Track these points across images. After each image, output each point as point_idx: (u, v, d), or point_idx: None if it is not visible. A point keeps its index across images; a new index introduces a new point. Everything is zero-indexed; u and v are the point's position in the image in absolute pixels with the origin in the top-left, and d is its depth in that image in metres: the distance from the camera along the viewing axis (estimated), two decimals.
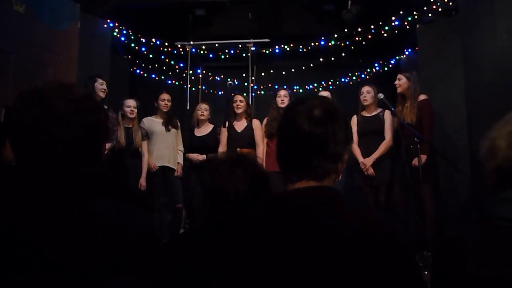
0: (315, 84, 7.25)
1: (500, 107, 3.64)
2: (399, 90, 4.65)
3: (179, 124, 5.35)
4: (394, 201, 4.56)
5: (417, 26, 5.66)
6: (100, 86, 4.60)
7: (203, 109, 5.32)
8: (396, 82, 4.67)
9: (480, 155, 1.21)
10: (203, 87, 7.37)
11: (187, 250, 1.56)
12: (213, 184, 1.65)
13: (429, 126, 4.40)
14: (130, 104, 4.90)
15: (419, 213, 4.19)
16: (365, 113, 4.89)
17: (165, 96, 5.23)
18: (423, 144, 4.09)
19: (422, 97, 4.55)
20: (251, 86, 7.00)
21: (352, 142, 1.29)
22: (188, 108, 6.20)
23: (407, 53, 6.51)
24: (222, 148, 5.08)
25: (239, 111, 5.10)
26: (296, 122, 1.15)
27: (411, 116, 4.46)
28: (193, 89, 7.24)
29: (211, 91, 7.39)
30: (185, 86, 7.14)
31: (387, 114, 4.71)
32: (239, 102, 5.11)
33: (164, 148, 5.14)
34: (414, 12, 5.67)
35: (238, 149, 4.84)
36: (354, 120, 4.88)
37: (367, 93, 4.81)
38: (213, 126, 5.34)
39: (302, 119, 1.14)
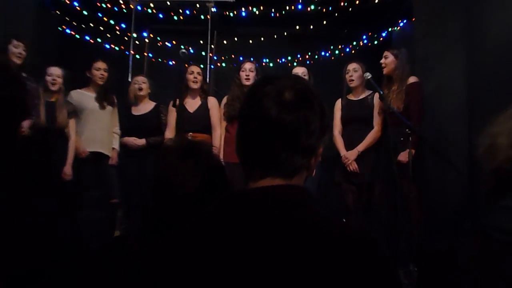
0: (289, 58, 7.28)
1: (508, 94, 3.74)
2: (385, 71, 4.73)
3: (116, 100, 5.31)
4: (376, 202, 4.66)
5: None
6: (15, 49, 4.49)
7: (140, 82, 5.28)
8: (382, 60, 4.74)
9: (478, 154, 1.24)
10: (150, 55, 7.35)
11: (122, 257, 1.55)
12: (157, 178, 1.65)
13: (417, 114, 4.47)
14: (53, 72, 4.83)
15: (405, 218, 4.32)
16: (351, 96, 4.99)
17: (101, 64, 5.16)
18: (413, 136, 4.17)
19: (412, 79, 4.61)
20: (209, 56, 6.93)
21: (329, 132, 1.30)
22: (130, 80, 6.12)
23: (401, 25, 6.60)
24: (169, 132, 5.12)
25: (194, 86, 5.09)
26: (262, 106, 1.15)
27: (398, 102, 4.53)
28: (138, 56, 7.15)
29: (160, 60, 7.34)
30: (127, 53, 7.02)
31: (377, 98, 4.77)
32: (196, 74, 5.11)
33: (96, 130, 5.11)
34: None
35: (190, 134, 4.84)
36: (338, 104, 4.98)
37: (353, 72, 4.87)
38: (154, 104, 5.33)
39: (269, 103, 1.14)
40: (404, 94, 4.52)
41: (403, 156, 4.28)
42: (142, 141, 5.12)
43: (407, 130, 4.07)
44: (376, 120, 4.79)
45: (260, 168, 1.17)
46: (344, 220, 1.19)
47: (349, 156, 4.72)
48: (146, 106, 5.28)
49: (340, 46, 7.21)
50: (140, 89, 5.23)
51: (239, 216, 1.10)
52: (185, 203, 1.58)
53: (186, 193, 1.59)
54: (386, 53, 4.73)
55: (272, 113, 1.13)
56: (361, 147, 4.72)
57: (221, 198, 1.17)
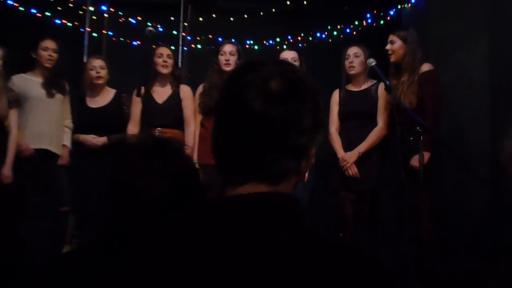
0: (278, 40, 7.21)
1: None
2: (392, 58, 4.74)
3: (68, 87, 5.29)
4: (380, 214, 4.69)
5: None
6: None
7: (98, 67, 5.26)
8: (388, 46, 4.74)
9: (502, 159, 1.25)
10: (110, 33, 7.23)
11: (71, 279, 1.54)
12: (116, 182, 1.63)
13: (433, 110, 4.47)
14: None
15: (414, 233, 4.33)
16: (351, 87, 5.02)
17: (50, 43, 5.14)
18: (426, 136, 4.19)
19: (425, 67, 4.60)
20: (182, 35, 6.94)
21: (324, 130, 1.30)
22: (85, 63, 6.09)
23: (413, 1, 6.63)
24: (132, 126, 5.13)
25: (163, 71, 5.09)
26: (244, 97, 1.15)
27: (410, 95, 4.54)
28: (95, 34, 7.11)
29: (122, 39, 7.26)
30: (82, 30, 7.00)
31: (382, 88, 4.76)
32: (166, 57, 5.10)
33: (43, 123, 5.09)
34: None
35: (157, 129, 4.86)
36: (335, 96, 5.02)
37: (354, 57, 4.88)
38: (114, 92, 5.35)
39: (252, 94, 1.14)
40: (417, 85, 4.52)
41: (415, 160, 4.27)
42: (103, 140, 5.13)
43: (418, 128, 4.07)
44: (381, 115, 4.82)
45: (240, 171, 1.17)
46: (341, 234, 1.20)
47: (348, 158, 4.73)
48: (105, 96, 5.30)
49: (339, 26, 7.14)
50: (99, 77, 5.24)
51: (213, 230, 1.09)
52: (150, 213, 1.57)
53: (151, 201, 1.58)
54: (391, 37, 4.72)
55: (255, 105, 1.13)
56: (362, 147, 4.74)
57: (193, 208, 1.16)
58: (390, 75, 4.70)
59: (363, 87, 4.94)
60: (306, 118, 1.17)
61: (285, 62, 1.27)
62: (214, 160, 1.22)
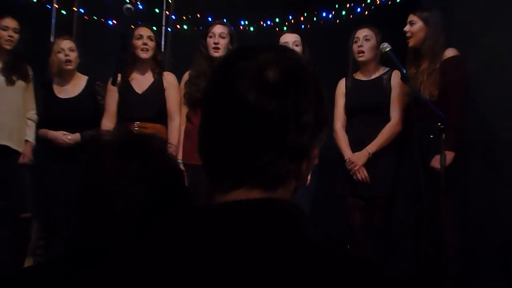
0: (277, 20, 7.25)
1: None
2: (411, 42, 4.73)
3: (31, 73, 5.30)
4: (396, 223, 4.68)
5: None
6: None
7: (66, 49, 5.26)
8: (407, 28, 4.73)
9: None
10: (81, 11, 7.22)
11: None
12: (87, 186, 1.62)
13: (458, 103, 4.47)
14: None
15: (435, 248, 4.31)
16: (359, 75, 5.03)
17: (10, 21, 5.17)
18: (449, 133, 4.18)
19: (449, 52, 4.62)
20: (165, 14, 6.99)
21: (329, 127, 1.30)
22: (52, 45, 6.08)
23: None
24: (107, 120, 5.13)
25: (143, 56, 5.08)
26: (236, 89, 1.14)
27: (430, 86, 4.53)
28: (63, 12, 7.11)
29: (95, 18, 7.26)
30: (49, 7, 6.98)
31: (396, 77, 4.80)
32: (147, 39, 5.08)
33: (2, 115, 5.09)
34: None
35: (137, 124, 4.85)
36: (341, 86, 5.02)
37: (364, 41, 4.88)
38: (86, 79, 5.38)
39: (246, 85, 1.14)
40: (439, 74, 4.52)
41: (436, 161, 4.24)
42: (75, 137, 5.15)
43: (439, 124, 4.04)
44: (395, 109, 4.81)
45: (231, 175, 1.16)
46: (348, 247, 1.20)
47: (356, 159, 4.73)
48: (76, 85, 5.34)
49: (348, 5, 7.14)
50: (68, 61, 5.23)
51: (199, 243, 1.08)
52: (125, 222, 1.55)
53: (127, 208, 1.56)
54: (411, 17, 4.71)
55: (249, 98, 1.13)
56: (373, 147, 4.74)
57: (176, 217, 1.16)
58: (408, 62, 4.70)
59: (374, 76, 4.95)
60: (307, 113, 1.16)
61: (284, 48, 1.26)
62: (200, 160, 1.21)
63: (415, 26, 4.68)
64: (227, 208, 1.13)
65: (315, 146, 1.20)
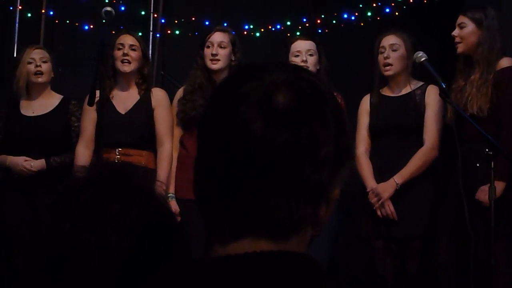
0: (288, 23, 7.27)
1: None
2: (460, 48, 4.70)
3: None
4: (435, 270, 4.65)
5: None
6: None
7: (38, 60, 5.28)
8: (456, 32, 4.70)
9: None
10: (51, 13, 7.26)
11: None
12: (57, 233, 1.58)
13: (511, 123, 4.48)
14: None
15: None
16: (387, 91, 4.98)
17: None
18: (500, 159, 4.16)
19: (505, 62, 4.60)
20: (153, 17, 6.98)
21: (351, 160, 1.28)
22: (16, 54, 6.13)
23: None
24: (83, 147, 5.13)
25: (126, 69, 5.09)
26: (240, 117, 1.12)
27: (480, 99, 4.51)
28: (29, 15, 7.18)
29: (68, 22, 7.30)
30: (11, 8, 7.09)
31: (432, 93, 4.80)
32: (129, 49, 5.05)
33: None
34: None
35: (119, 150, 4.83)
36: (365, 104, 4.97)
37: (391, 51, 4.88)
38: (60, 98, 5.41)
39: (251, 112, 1.12)
40: (491, 86, 4.49)
41: (484, 193, 4.24)
42: (39, 164, 5.12)
43: (487, 150, 4.03)
44: (430, 131, 4.80)
45: (233, 221, 1.14)
46: None
47: (381, 191, 4.70)
48: (47, 102, 5.37)
49: (374, 4, 7.21)
50: (39, 73, 5.20)
51: None
52: (104, 279, 1.53)
53: (105, 262, 1.53)
54: (461, 19, 4.67)
55: (254, 128, 1.11)
56: (402, 176, 4.71)
57: (167, 274, 1.13)
58: (457, 72, 4.69)
59: (404, 91, 4.93)
60: (326, 145, 1.14)
61: (296, 67, 1.26)
62: (196, 200, 1.19)
63: (465, 29, 4.64)
64: (229, 263, 1.11)
65: (336, 185, 1.16)
